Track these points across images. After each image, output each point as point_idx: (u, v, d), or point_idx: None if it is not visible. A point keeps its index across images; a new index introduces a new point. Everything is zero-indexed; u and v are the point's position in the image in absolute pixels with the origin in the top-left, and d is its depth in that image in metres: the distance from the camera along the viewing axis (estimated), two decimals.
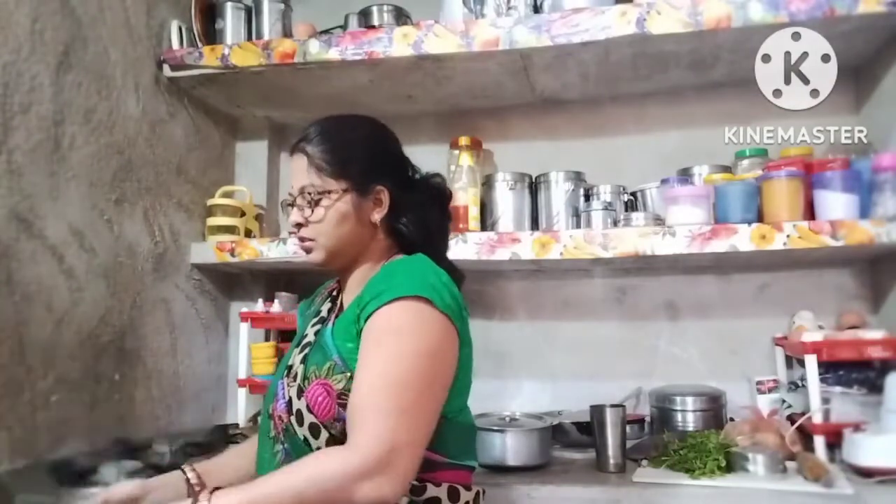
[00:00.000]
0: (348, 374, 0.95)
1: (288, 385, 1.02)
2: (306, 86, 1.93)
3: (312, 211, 1.05)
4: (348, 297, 1.09)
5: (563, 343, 2.03)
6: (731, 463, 1.45)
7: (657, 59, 1.77)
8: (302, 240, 1.08)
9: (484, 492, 1.06)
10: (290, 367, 1.05)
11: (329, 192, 1.04)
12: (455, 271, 1.08)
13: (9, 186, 1.39)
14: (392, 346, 0.90)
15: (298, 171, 1.07)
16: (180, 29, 1.90)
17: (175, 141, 1.91)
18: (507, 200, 1.91)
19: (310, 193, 1.05)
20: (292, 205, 1.08)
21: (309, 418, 0.96)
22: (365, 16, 1.97)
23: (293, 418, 0.98)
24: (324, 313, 1.14)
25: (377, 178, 1.07)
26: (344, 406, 0.93)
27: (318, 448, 0.95)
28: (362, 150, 1.09)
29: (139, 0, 1.78)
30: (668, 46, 1.68)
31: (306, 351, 1.05)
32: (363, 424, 0.85)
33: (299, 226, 1.07)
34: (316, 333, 1.08)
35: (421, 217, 1.09)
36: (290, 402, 1.00)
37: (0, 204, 1.37)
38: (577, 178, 1.92)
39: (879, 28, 1.60)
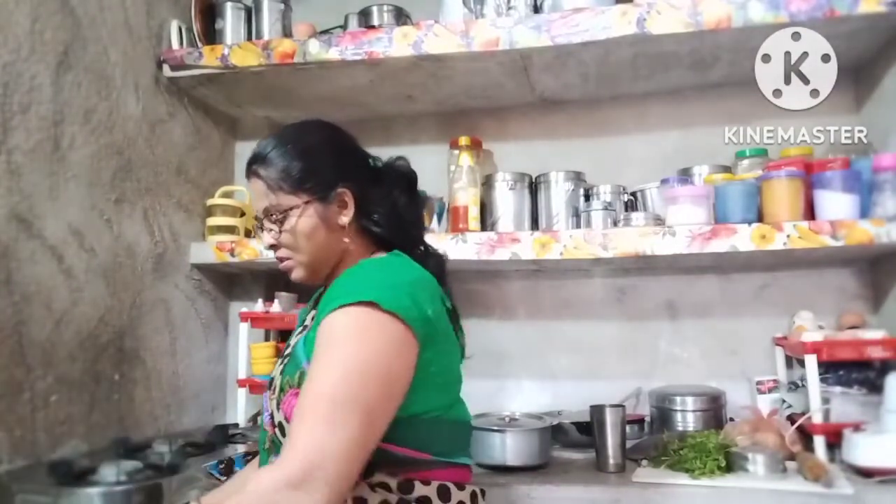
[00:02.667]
0: None
1: (270, 398, 1.02)
2: (306, 86, 1.93)
3: (280, 231, 1.04)
4: None
5: (562, 343, 2.03)
6: (731, 463, 1.45)
7: (657, 59, 1.77)
8: (281, 260, 1.08)
9: (483, 492, 1.04)
10: (272, 380, 1.05)
11: (291, 208, 1.03)
12: (431, 257, 1.08)
13: (9, 186, 1.39)
14: (327, 356, 0.88)
15: (258, 195, 1.07)
16: (180, 29, 1.90)
17: (175, 141, 1.91)
18: (507, 200, 1.91)
19: (273, 215, 1.04)
20: (262, 227, 1.08)
21: (289, 429, 0.94)
22: (365, 16, 1.97)
23: (277, 431, 0.97)
24: (307, 321, 1.13)
25: (336, 182, 1.05)
26: None
27: None
28: (314, 158, 1.06)
29: (139, 0, 1.78)
30: (668, 46, 1.68)
31: (285, 362, 1.04)
32: (290, 439, 0.84)
33: (274, 247, 1.07)
34: (295, 344, 1.07)
35: (390, 208, 1.07)
36: (272, 415, 0.99)
37: (0, 204, 1.37)
38: (577, 178, 1.92)
39: (879, 28, 1.60)
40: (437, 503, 0.95)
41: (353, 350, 0.87)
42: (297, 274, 1.08)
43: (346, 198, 1.05)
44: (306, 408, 0.85)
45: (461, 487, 0.99)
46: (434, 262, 1.09)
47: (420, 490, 0.94)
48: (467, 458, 1.04)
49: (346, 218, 1.05)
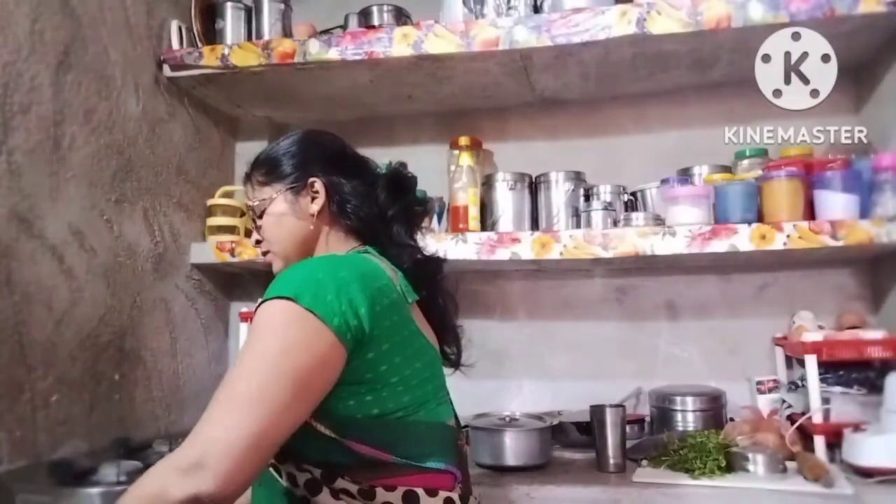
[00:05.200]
0: None
1: None
2: (306, 86, 1.93)
3: (261, 220, 1.11)
4: None
5: (563, 343, 2.03)
6: (731, 463, 1.45)
7: (657, 59, 1.77)
8: (265, 255, 1.14)
9: (467, 498, 0.98)
10: None
11: (264, 199, 1.10)
12: (406, 254, 1.07)
13: (9, 186, 1.39)
14: (243, 351, 0.88)
15: (247, 197, 1.15)
16: (180, 29, 1.90)
17: (175, 141, 1.91)
18: (507, 200, 1.91)
19: (254, 209, 1.11)
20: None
21: None
22: (365, 16, 1.97)
23: None
24: None
25: (308, 172, 1.09)
26: None
27: (274, 464, 0.95)
28: (286, 152, 1.12)
29: (139, 0, 1.78)
30: (668, 46, 1.68)
31: None
32: (196, 426, 0.84)
33: (258, 243, 1.13)
34: None
35: (366, 201, 1.09)
36: None
37: (0, 204, 1.37)
38: (577, 178, 1.92)
39: (879, 28, 1.60)
40: None
41: (264, 346, 0.86)
42: (275, 266, 1.11)
43: (316, 186, 1.08)
44: (215, 399, 0.85)
45: (432, 493, 0.93)
46: (408, 258, 1.07)
47: (383, 497, 0.90)
48: (443, 462, 0.97)
49: (316, 206, 1.08)
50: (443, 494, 0.94)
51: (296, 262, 1.05)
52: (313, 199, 1.08)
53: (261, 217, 1.10)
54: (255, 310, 0.91)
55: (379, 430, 0.92)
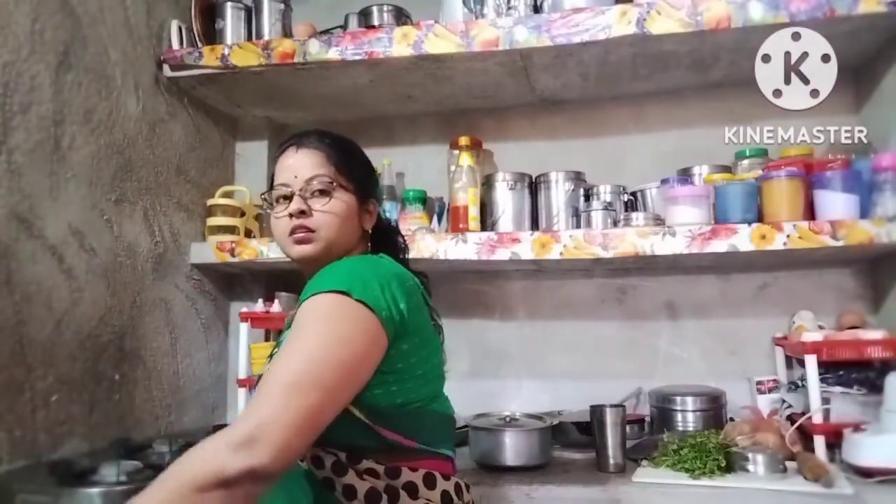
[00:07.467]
0: None
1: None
2: (306, 86, 1.93)
3: (329, 199, 1.08)
4: None
5: (563, 343, 2.03)
6: (731, 463, 1.45)
7: (657, 59, 1.77)
8: (303, 229, 1.07)
9: (469, 486, 1.07)
10: (259, 379, 1.07)
11: (343, 186, 1.10)
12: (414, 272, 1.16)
13: (9, 186, 1.39)
14: (295, 338, 0.91)
15: (309, 164, 1.09)
16: (180, 29, 1.90)
17: (175, 141, 1.91)
18: (507, 200, 1.91)
19: (325, 183, 1.08)
20: (289, 197, 1.09)
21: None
22: (365, 16, 1.97)
23: None
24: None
25: (372, 193, 1.19)
26: None
27: None
28: (366, 166, 1.20)
29: (139, 0, 1.78)
30: (668, 46, 1.68)
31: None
32: (246, 407, 0.87)
33: (302, 213, 1.07)
34: (279, 342, 1.11)
35: (390, 235, 1.22)
36: None
37: (0, 204, 1.37)
38: (577, 178, 1.92)
39: (879, 28, 1.60)
40: (423, 490, 0.98)
41: (320, 332, 0.91)
42: (312, 248, 1.08)
43: (373, 208, 1.18)
44: (268, 381, 0.87)
45: (447, 477, 1.02)
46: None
47: (407, 476, 0.98)
48: (450, 450, 1.08)
49: (369, 225, 1.16)
50: (453, 479, 1.03)
51: (331, 254, 1.09)
52: (369, 215, 1.16)
53: (327, 194, 1.08)
54: (301, 303, 0.95)
55: (402, 418, 0.99)
